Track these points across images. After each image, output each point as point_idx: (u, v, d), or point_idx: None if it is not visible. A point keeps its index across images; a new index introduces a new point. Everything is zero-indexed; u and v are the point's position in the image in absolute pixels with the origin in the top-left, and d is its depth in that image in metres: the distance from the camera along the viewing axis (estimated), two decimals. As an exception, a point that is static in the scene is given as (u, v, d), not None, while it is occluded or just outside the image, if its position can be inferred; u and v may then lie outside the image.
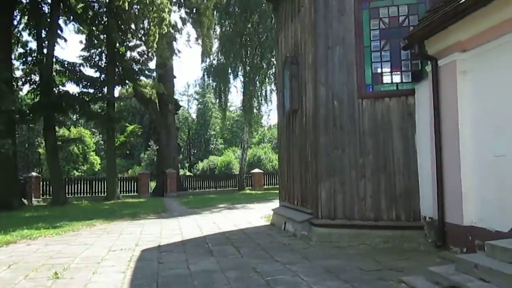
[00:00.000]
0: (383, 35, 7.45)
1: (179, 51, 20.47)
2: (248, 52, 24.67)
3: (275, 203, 15.90)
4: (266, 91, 27.48)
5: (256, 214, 12.38)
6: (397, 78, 7.34)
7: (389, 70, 7.39)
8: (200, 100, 68.08)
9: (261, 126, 28.85)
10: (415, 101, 7.13)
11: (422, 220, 6.89)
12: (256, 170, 28.07)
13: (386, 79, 7.39)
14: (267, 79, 26.64)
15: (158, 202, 18.04)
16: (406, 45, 6.68)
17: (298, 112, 8.85)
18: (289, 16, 9.63)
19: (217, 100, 28.54)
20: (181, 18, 20.32)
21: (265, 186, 27.15)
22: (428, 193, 6.73)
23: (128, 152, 42.60)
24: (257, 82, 25.84)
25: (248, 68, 25.30)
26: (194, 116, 66.46)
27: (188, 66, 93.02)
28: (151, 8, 14.48)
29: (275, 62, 25.79)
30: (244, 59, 25.05)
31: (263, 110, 28.07)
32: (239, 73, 26.94)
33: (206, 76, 27.16)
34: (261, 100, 27.29)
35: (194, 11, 17.89)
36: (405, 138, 7.18)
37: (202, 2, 16.93)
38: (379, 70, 7.45)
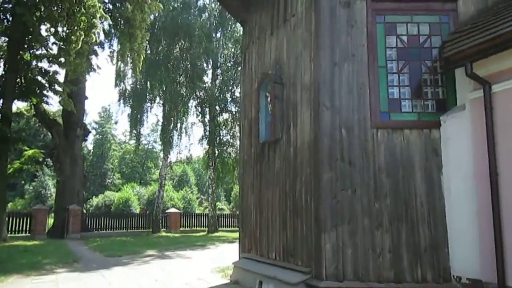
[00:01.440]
0: (401, 55, 6.26)
1: (98, 67, 17.63)
2: (174, 79, 22.57)
3: (213, 250, 13.89)
4: (185, 123, 25.38)
5: (201, 266, 10.05)
6: (418, 107, 6.12)
7: (408, 96, 6.16)
8: (99, 130, 62.95)
9: (178, 163, 26.26)
10: (440, 136, 5.94)
11: (454, 281, 5.52)
12: (173, 210, 25.24)
13: (405, 107, 6.14)
14: (190, 110, 24.62)
15: (62, 246, 14.44)
16: (444, 66, 5.51)
17: (281, 142, 7.15)
18: (267, 29, 8.09)
19: (131, 129, 25.50)
20: (103, 30, 17.61)
21: (182, 228, 24.43)
22: (462, 247, 5.44)
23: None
24: (180, 112, 23.66)
25: (169, 96, 23.07)
26: (90, 147, 60.73)
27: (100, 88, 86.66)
28: (78, 9, 11.82)
29: (199, 94, 24.10)
30: (166, 86, 22.83)
31: (183, 143, 25.54)
32: (160, 100, 24.58)
33: (122, 101, 24.18)
34: (181, 132, 25.05)
35: (122, 22, 15.55)
36: (429, 179, 5.89)
37: (138, 12, 14.73)
38: (396, 96, 6.18)
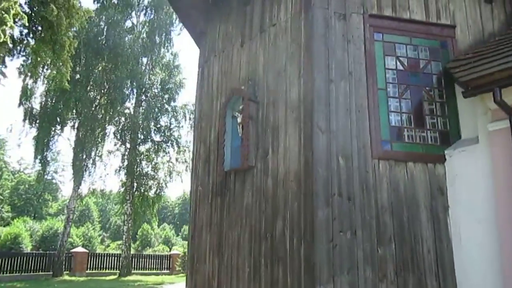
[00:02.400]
0: (401, 78, 5.57)
1: (4, 75, 14.75)
2: (93, 101, 20.22)
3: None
4: (101, 151, 22.71)
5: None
6: (420, 137, 5.39)
7: (410, 125, 5.42)
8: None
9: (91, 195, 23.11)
10: (445, 172, 5.23)
11: None
12: (80, 249, 21.89)
13: (408, 136, 5.37)
14: (108, 137, 22.16)
15: None
16: (470, 91, 4.84)
17: (254, 172, 5.92)
18: (235, 40, 7.00)
19: (35, 154, 22.06)
20: (13, 38, 14.89)
21: (89, 271, 21.18)
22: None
23: None
24: (96, 138, 21.14)
25: (85, 119, 20.54)
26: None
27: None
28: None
29: (120, 120, 21.91)
30: (82, 108, 20.31)
31: (98, 173, 22.68)
32: (72, 124, 21.79)
33: (27, 121, 20.85)
34: (96, 160, 22.32)
35: (42, 27, 13.24)
36: (435, 222, 5.07)
37: (65, 16, 12.60)
38: (397, 123, 5.40)
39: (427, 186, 5.17)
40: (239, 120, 6.31)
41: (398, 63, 5.60)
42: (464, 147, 5.09)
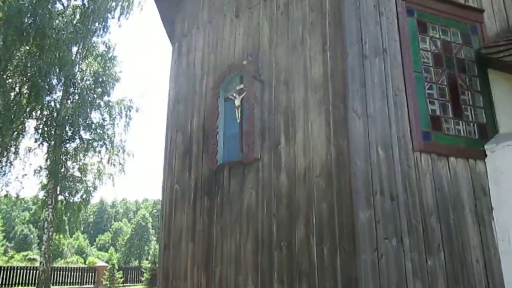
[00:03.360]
0: (437, 62, 4.85)
1: None
2: (12, 87, 17.39)
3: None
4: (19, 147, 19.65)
5: None
6: (460, 130, 4.69)
7: (450, 115, 4.70)
8: None
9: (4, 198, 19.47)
10: (486, 169, 4.58)
11: None
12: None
13: (448, 127, 4.64)
14: (27, 131, 19.23)
15: None
16: None
17: (259, 165, 4.80)
18: (227, 10, 5.85)
19: None
20: None
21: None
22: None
23: None
24: (13, 132, 18.20)
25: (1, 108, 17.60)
26: None
27: None
28: None
29: (44, 113, 19.20)
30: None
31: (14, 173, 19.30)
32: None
33: None
34: (10, 158, 19.21)
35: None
36: (480, 226, 4.37)
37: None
38: (437, 112, 4.65)
39: (470, 184, 4.47)
40: (236, 102, 5.15)
41: (432, 44, 4.88)
42: (509, 141, 4.47)
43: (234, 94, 5.21)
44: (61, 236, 40.16)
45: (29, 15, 16.70)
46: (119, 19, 20.59)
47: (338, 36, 4.48)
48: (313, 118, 4.45)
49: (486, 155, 4.59)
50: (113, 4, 20.16)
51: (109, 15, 19.88)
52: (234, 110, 5.21)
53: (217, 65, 5.72)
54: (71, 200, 18.88)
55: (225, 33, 5.79)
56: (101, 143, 19.29)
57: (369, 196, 3.95)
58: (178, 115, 6.09)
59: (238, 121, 5.11)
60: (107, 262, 35.28)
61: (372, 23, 4.58)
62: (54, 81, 18.42)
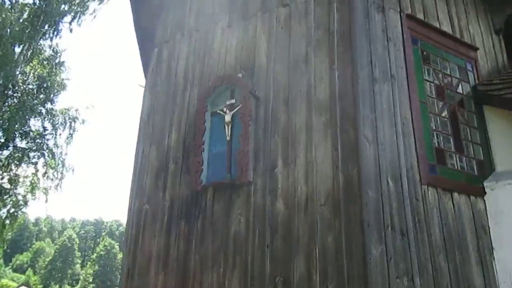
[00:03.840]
0: (438, 94, 4.74)
1: None
2: None
3: None
4: None
5: None
6: (462, 165, 4.55)
7: (452, 148, 4.55)
8: None
9: None
10: (486, 207, 4.44)
11: None
12: None
13: (451, 162, 4.47)
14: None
15: None
16: None
17: (252, 189, 4.30)
18: (218, 18, 5.42)
19: None
20: None
21: None
22: None
23: None
24: None
25: None
26: None
27: None
28: None
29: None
30: None
31: None
32: None
33: None
34: None
35: None
36: (483, 266, 4.17)
37: None
38: (441, 144, 4.48)
39: (472, 222, 4.30)
40: (227, 118, 4.66)
41: (434, 76, 4.77)
42: (509, 179, 4.38)
43: (225, 109, 4.72)
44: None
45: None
46: (70, 23, 19.34)
47: (348, 56, 4.20)
48: (317, 141, 4.07)
49: (485, 193, 4.46)
50: (66, 7, 18.95)
51: (61, 19, 18.57)
52: (224, 126, 4.70)
53: (204, 76, 5.22)
54: (-3, 216, 16.86)
55: (215, 42, 5.33)
56: (38, 153, 17.60)
57: (381, 230, 3.61)
58: (154, 127, 5.45)
59: (228, 138, 4.61)
60: (23, 285, 31.97)
61: (380, 47, 4.37)
62: (-9, 83, 16.64)
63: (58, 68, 19.16)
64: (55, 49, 19.54)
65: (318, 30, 4.52)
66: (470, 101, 4.94)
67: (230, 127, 4.63)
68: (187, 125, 5.10)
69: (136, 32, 6.86)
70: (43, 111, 18.12)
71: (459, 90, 4.93)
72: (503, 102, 4.56)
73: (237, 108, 4.64)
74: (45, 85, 18.06)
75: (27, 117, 17.45)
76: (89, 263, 65.21)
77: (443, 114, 4.64)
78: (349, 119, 3.96)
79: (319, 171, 3.96)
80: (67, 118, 18.40)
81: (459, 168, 4.49)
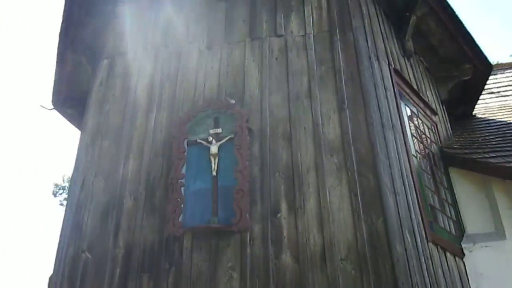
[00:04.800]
0: (422, 150, 4.76)
1: None
2: None
3: None
4: None
5: None
6: (446, 224, 4.51)
7: (439, 207, 4.50)
8: None
9: None
10: (466, 269, 4.42)
11: None
12: None
13: (440, 221, 4.40)
14: None
15: None
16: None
17: (248, 238, 3.52)
18: (194, 38, 4.72)
19: None
20: None
21: None
22: None
23: None
24: None
25: None
26: None
27: None
28: None
29: None
30: None
31: None
32: None
33: None
34: None
35: None
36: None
37: None
38: (431, 201, 4.39)
39: (460, 284, 4.18)
40: (213, 149, 3.89)
41: (416, 133, 4.81)
42: (486, 242, 4.48)
43: (210, 139, 3.94)
44: None
45: None
46: None
47: (359, 98, 3.95)
48: (330, 185, 3.59)
49: (463, 254, 4.46)
50: None
51: None
52: (207, 159, 3.89)
53: (177, 98, 4.38)
54: None
55: (191, 63, 4.59)
56: None
57: (409, 292, 3.19)
58: (101, 154, 4.29)
59: (214, 174, 3.80)
60: None
61: (381, 95, 4.24)
62: None
63: None
64: None
65: (321, 66, 4.22)
66: (440, 162, 5.08)
67: (217, 160, 3.84)
68: (152, 154, 4.12)
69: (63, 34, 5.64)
70: None
71: (432, 150, 5.05)
72: (464, 162, 4.77)
73: (226, 139, 3.92)
74: None
75: None
76: None
77: (427, 171, 4.63)
78: (367, 164, 3.61)
79: (335, 220, 3.44)
80: None
81: (444, 227, 4.43)
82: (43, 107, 7.51)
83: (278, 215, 3.57)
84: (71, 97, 6.72)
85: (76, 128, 7.62)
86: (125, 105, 4.51)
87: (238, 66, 4.43)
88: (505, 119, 6.46)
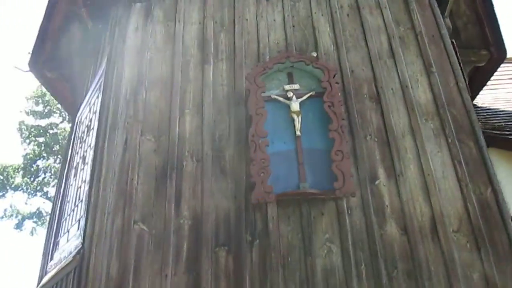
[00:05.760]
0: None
1: None
2: None
3: None
4: None
5: None
6: None
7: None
8: None
9: None
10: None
11: None
12: None
13: None
14: None
15: None
16: None
17: (345, 206, 3.07)
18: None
19: None
20: None
21: None
22: None
23: None
24: None
25: None
26: None
27: None
28: None
29: None
30: None
31: None
32: None
33: None
34: None
35: None
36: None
37: None
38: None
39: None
40: (294, 106, 3.38)
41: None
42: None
43: (290, 94, 3.42)
44: None
45: None
46: None
47: (445, 63, 3.69)
48: (431, 151, 3.26)
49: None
50: None
51: None
52: (288, 117, 3.37)
53: (237, 49, 3.79)
54: None
55: (248, 13, 4.01)
56: None
57: (527, 264, 2.95)
58: (146, 109, 3.56)
59: (298, 133, 3.29)
60: None
61: (455, 62, 3.99)
62: None
63: None
64: None
65: (399, 27, 3.89)
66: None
67: (300, 118, 3.34)
68: (215, 110, 3.50)
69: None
70: None
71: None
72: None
73: (307, 95, 3.43)
74: None
75: None
76: None
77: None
78: (466, 131, 3.36)
79: (442, 189, 3.11)
80: None
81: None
82: (17, 68, 6.47)
83: (377, 182, 3.16)
84: (54, 58, 5.85)
85: (50, 95, 6.69)
86: (171, 54, 3.81)
87: (305, 19, 3.95)
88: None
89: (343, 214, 3.05)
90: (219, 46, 3.83)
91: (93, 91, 4.76)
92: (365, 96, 3.52)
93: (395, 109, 3.45)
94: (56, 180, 20.87)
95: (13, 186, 19.74)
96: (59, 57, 5.86)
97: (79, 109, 5.37)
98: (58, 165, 20.60)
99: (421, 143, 3.29)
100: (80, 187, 4.23)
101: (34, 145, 20.60)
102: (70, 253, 3.76)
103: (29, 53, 5.91)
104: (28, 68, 6.25)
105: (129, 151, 3.36)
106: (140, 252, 3.00)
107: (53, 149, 20.11)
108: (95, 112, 4.46)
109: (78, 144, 4.89)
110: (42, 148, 20.65)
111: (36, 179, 20.33)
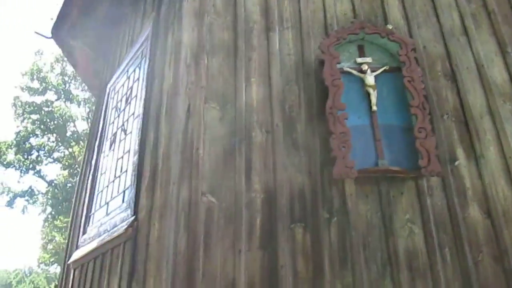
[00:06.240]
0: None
1: None
2: None
3: None
4: None
5: None
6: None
7: None
8: None
9: None
10: None
11: None
12: None
13: None
14: None
15: None
16: None
17: (425, 186, 2.93)
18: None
19: None
20: None
21: None
22: None
23: None
24: None
25: None
26: None
27: None
28: None
29: None
30: None
31: None
32: None
33: None
34: None
35: None
36: None
37: None
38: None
39: None
40: (369, 80, 3.20)
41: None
42: None
43: (365, 67, 3.24)
44: None
45: None
46: None
47: (518, 44, 3.51)
48: (511, 133, 3.13)
49: None
50: None
51: None
52: (363, 91, 3.20)
53: (303, 18, 3.57)
54: None
55: (313, -20, 3.79)
56: None
57: None
58: (209, 75, 3.33)
59: (375, 108, 3.12)
60: None
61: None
62: None
63: None
64: None
65: (470, 3, 3.72)
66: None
67: (375, 93, 3.17)
68: (283, 80, 3.30)
69: None
70: None
71: None
72: None
73: (381, 69, 3.26)
74: None
75: None
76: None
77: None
78: (542, 115, 3.20)
79: (523, 170, 2.99)
80: None
81: None
82: (39, 34, 6.18)
83: (456, 163, 3.02)
84: (80, 25, 5.58)
85: (69, 65, 6.42)
86: (232, 20, 3.58)
87: (372, -11, 3.75)
88: None
89: (424, 195, 2.90)
90: (283, 14, 3.61)
91: (131, 58, 4.51)
92: (439, 73, 3.36)
93: (471, 89, 3.30)
94: (49, 159, 20.35)
95: (5, 163, 19.20)
96: (86, 25, 5.58)
97: (110, 79, 5.10)
98: (53, 143, 20.09)
99: (500, 125, 3.15)
100: (122, 157, 4.01)
101: (27, 122, 20.04)
102: (115, 225, 3.56)
103: (51, 19, 5.63)
104: (50, 35, 5.97)
105: (192, 119, 3.15)
106: (209, 225, 2.81)
107: (49, 127, 19.58)
108: (137, 80, 4.22)
109: (114, 114, 4.64)
110: (36, 125, 20.10)
111: (29, 157, 19.80)
